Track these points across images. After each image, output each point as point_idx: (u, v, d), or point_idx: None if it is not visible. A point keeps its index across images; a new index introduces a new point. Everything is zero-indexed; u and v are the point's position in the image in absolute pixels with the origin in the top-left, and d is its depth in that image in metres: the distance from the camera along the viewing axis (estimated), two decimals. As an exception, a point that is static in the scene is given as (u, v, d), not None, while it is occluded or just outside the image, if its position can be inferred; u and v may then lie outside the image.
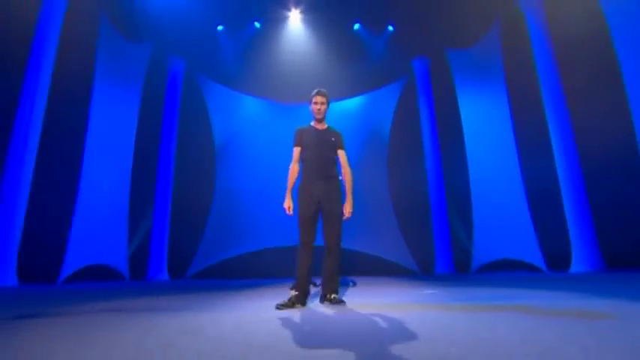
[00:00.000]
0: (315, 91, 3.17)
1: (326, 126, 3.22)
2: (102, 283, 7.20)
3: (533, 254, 8.35)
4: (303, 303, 2.83)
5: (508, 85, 9.25)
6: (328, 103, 3.17)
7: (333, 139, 3.15)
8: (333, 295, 2.89)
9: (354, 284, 5.72)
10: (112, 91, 9.02)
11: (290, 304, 2.73)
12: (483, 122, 9.77)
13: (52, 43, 7.66)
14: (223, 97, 10.79)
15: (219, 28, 10.45)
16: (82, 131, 8.28)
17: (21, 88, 7.32)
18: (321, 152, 3.06)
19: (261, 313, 2.40)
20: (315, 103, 3.13)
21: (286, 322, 2.02)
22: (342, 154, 3.17)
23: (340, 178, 3.11)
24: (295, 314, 2.37)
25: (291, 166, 3.09)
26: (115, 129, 9.05)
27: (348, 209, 3.06)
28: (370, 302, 2.97)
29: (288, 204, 3.01)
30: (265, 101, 11.07)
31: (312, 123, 3.21)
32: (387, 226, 10.24)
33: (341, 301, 2.85)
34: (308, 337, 1.61)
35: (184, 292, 4.67)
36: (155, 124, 9.94)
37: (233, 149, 10.82)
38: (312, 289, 3.45)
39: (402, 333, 1.64)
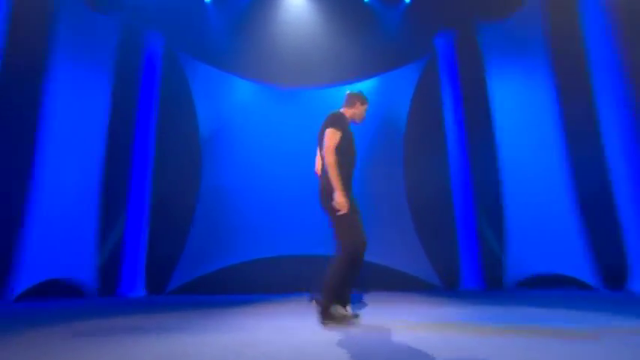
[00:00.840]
0: (367, 98, 3.24)
1: None
2: (63, 301, 6.62)
3: (581, 268, 7.45)
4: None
5: (553, 65, 8.20)
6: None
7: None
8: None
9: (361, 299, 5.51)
10: (75, 73, 7.99)
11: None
12: (520, 110, 8.73)
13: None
14: (210, 80, 9.84)
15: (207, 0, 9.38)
16: (34, 120, 7.35)
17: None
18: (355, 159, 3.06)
19: (258, 334, 2.36)
20: (365, 109, 3.19)
21: (288, 344, 1.98)
22: None
23: None
24: (299, 333, 2.35)
25: (337, 158, 2.84)
26: (80, 117, 8.08)
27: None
28: (382, 321, 2.91)
29: (347, 201, 2.82)
30: (260, 85, 10.14)
31: (349, 120, 3.12)
32: (404, 232, 9.32)
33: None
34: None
35: (164, 310, 4.50)
36: (129, 111, 8.96)
37: (222, 141, 9.95)
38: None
39: (419, 357, 1.61)
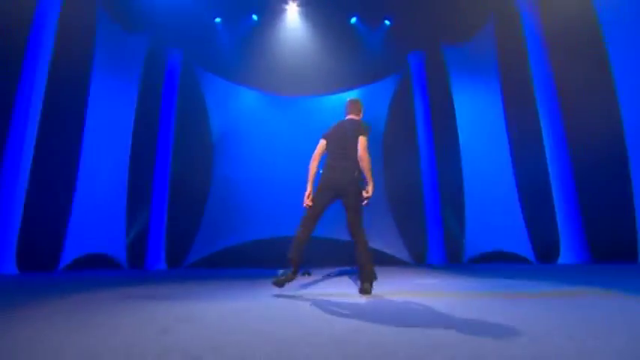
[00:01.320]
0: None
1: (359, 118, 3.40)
2: (101, 272, 7.21)
3: (523, 246, 8.50)
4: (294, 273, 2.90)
5: (502, 81, 9.31)
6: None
7: (351, 126, 3.26)
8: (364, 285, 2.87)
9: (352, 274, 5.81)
10: (110, 83, 9.00)
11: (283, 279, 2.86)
12: (477, 117, 9.87)
13: (49, 36, 7.61)
14: (221, 89, 10.82)
15: (217, 20, 10.46)
16: (81, 122, 8.29)
17: (19, 80, 7.29)
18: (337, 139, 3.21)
19: (259, 301, 2.43)
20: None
21: (284, 309, 2.05)
22: None
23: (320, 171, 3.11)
24: (295, 302, 2.42)
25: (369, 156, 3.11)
26: (113, 120, 9.06)
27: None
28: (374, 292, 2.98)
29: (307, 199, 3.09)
30: (262, 93, 11.11)
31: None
32: (381, 218, 10.35)
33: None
34: (304, 324, 1.61)
35: (182, 281, 4.67)
36: (153, 115, 9.95)
37: (230, 140, 10.87)
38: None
39: (400, 319, 1.71)
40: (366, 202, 2.94)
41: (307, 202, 2.95)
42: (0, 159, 7.02)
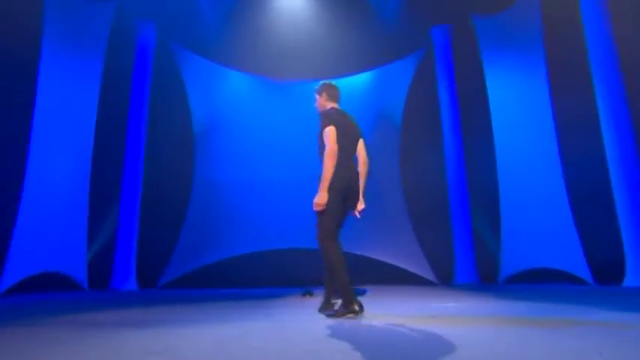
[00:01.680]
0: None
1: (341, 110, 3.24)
2: (54, 294, 6.60)
3: (576, 263, 7.46)
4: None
5: (548, 58, 8.15)
6: (320, 93, 3.21)
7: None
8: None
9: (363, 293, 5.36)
10: (65, 63, 7.88)
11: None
12: (516, 104, 8.73)
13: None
14: (204, 72, 9.74)
15: (200, -12, 9.29)
16: (28, 112, 7.28)
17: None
18: (354, 145, 3.17)
19: (247, 328, 2.30)
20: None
21: (277, 337, 1.96)
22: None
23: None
24: (292, 327, 2.32)
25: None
26: (71, 108, 8.00)
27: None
28: (376, 315, 2.83)
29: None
30: (255, 77, 10.07)
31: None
32: (399, 227, 9.27)
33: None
34: (305, 355, 1.53)
35: (156, 304, 4.48)
36: (121, 102, 8.88)
37: (215, 134, 9.87)
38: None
39: (416, 348, 1.60)
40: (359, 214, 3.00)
41: (319, 208, 2.76)
42: None
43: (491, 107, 8.97)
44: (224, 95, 10.03)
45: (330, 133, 2.82)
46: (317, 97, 3.20)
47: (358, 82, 10.08)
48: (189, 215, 9.23)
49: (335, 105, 3.12)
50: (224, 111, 9.99)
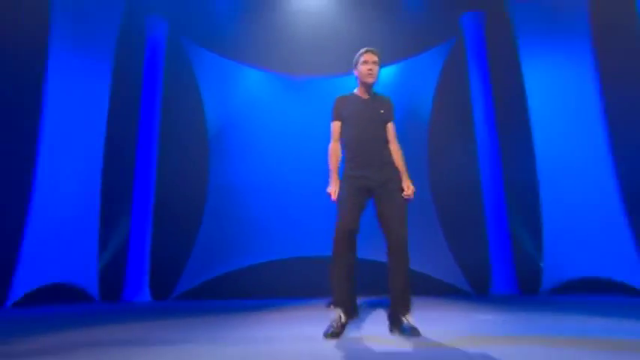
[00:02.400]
0: (364, 49, 2.83)
1: (373, 93, 2.85)
2: (65, 307, 6.49)
3: (630, 272, 6.90)
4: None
5: (597, 46, 7.58)
6: (380, 66, 2.83)
7: (382, 110, 2.81)
8: (404, 318, 2.48)
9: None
10: (74, 62, 7.69)
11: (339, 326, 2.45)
12: (558, 97, 8.13)
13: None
14: (218, 69, 9.49)
15: (213, -19, 9.00)
16: (37, 114, 7.16)
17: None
18: (369, 129, 2.74)
19: (273, 345, 2.20)
20: (366, 62, 2.76)
21: (309, 355, 1.85)
22: (390, 128, 2.81)
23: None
24: (320, 344, 2.16)
25: (330, 146, 2.78)
26: (81, 109, 7.84)
27: (408, 185, 2.68)
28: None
29: (333, 188, 2.66)
30: (272, 74, 9.78)
31: (356, 91, 2.87)
32: (429, 232, 8.80)
33: (414, 329, 2.39)
34: None
35: (169, 317, 4.38)
36: (131, 102, 8.66)
37: (231, 135, 9.61)
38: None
39: None
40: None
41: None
42: None
43: (529, 100, 8.40)
44: (239, 93, 9.80)
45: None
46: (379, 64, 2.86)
47: (383, 75, 9.61)
48: (205, 221, 8.98)
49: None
50: (239, 110, 9.75)
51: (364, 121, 2.73)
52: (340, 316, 2.44)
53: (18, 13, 6.93)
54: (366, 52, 2.77)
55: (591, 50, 7.62)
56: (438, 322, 3.17)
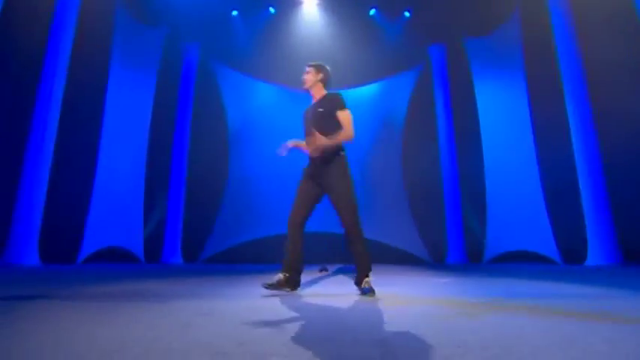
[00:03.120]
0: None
1: (320, 96, 2.84)
2: (119, 265, 7.29)
3: (548, 246, 8.19)
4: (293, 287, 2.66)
5: (527, 74, 8.95)
6: (319, 72, 2.84)
7: (320, 109, 2.73)
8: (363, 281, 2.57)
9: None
10: (128, 78, 9.01)
11: (276, 285, 2.58)
12: (500, 112, 9.55)
13: (69, 31, 7.67)
14: (237, 83, 10.74)
15: (234, 13, 10.38)
16: (99, 116, 8.35)
17: (39, 75, 7.37)
18: (308, 129, 2.74)
19: (264, 302, 2.27)
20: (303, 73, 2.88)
21: (287, 313, 1.88)
22: (341, 115, 2.70)
23: (342, 153, 2.68)
24: (306, 299, 2.37)
25: None
26: (131, 115, 9.08)
27: (318, 138, 2.60)
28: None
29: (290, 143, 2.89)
30: (279, 87, 10.95)
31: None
32: (400, 215, 10.22)
33: (368, 291, 2.49)
34: (315, 325, 1.54)
35: (191, 276, 4.62)
36: (170, 109, 9.96)
37: (247, 136, 10.78)
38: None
39: (404, 329, 1.41)
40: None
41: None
42: (22, 153, 7.13)
43: (479, 115, 9.84)
44: (254, 103, 10.89)
45: (351, 117, 2.69)
46: (313, 72, 2.85)
47: (366, 91, 11.01)
48: (225, 203, 10.20)
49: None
50: (254, 116, 10.76)
51: (306, 122, 2.81)
52: (281, 278, 2.58)
53: (90, 42, 8.04)
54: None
55: (522, 75, 8.97)
56: (406, 285, 3.32)
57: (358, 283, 2.61)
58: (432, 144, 10.40)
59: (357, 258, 2.62)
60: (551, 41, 8.44)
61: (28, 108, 7.29)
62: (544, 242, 8.32)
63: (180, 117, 10.14)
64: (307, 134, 2.74)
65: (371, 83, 10.91)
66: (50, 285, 3.24)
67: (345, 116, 2.68)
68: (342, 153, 2.71)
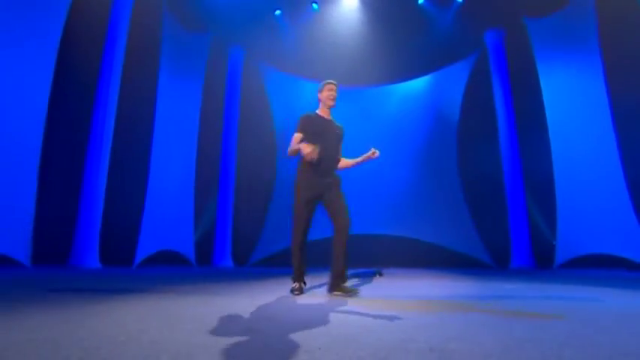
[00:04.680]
0: (327, 81, 3.20)
1: (328, 115, 3.18)
2: (173, 268, 7.48)
3: (634, 248, 7.28)
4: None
5: (604, 55, 8.04)
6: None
7: (338, 131, 3.14)
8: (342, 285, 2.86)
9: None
10: (176, 84, 9.19)
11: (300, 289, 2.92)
12: (571, 99, 8.66)
13: (121, 41, 7.91)
14: (283, 83, 10.66)
15: (277, 12, 10.26)
16: (150, 122, 8.54)
17: (96, 86, 7.66)
18: (331, 145, 3.03)
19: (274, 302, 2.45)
20: (331, 90, 3.12)
21: (300, 314, 2.03)
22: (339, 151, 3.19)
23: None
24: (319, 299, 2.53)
25: (291, 149, 3.00)
26: (180, 120, 9.25)
27: (368, 155, 3.07)
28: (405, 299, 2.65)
29: (310, 148, 2.81)
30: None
31: (319, 111, 3.17)
32: (458, 215, 9.65)
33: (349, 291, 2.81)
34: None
35: (253, 278, 4.80)
36: (217, 112, 10.05)
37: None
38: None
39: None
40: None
41: None
42: (82, 162, 7.50)
43: (545, 104, 8.93)
44: (300, 103, 10.31)
45: None
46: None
47: (417, 85, 10.48)
48: (274, 205, 10.15)
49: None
50: (299, 114, 10.53)
51: (331, 135, 3.06)
52: (301, 286, 2.93)
53: (141, 54, 8.33)
54: (329, 83, 3.14)
55: (599, 59, 8.05)
56: (468, 289, 3.29)
57: (338, 285, 2.85)
58: (492, 139, 9.65)
59: (344, 259, 2.88)
60: (634, 12, 7.36)
61: (87, 119, 7.60)
62: (629, 244, 7.38)
63: (227, 120, 10.22)
64: (329, 146, 3.01)
65: (422, 76, 10.40)
66: (114, 285, 3.56)
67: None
68: None
